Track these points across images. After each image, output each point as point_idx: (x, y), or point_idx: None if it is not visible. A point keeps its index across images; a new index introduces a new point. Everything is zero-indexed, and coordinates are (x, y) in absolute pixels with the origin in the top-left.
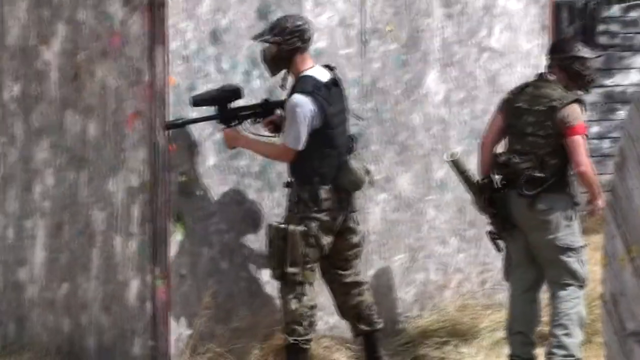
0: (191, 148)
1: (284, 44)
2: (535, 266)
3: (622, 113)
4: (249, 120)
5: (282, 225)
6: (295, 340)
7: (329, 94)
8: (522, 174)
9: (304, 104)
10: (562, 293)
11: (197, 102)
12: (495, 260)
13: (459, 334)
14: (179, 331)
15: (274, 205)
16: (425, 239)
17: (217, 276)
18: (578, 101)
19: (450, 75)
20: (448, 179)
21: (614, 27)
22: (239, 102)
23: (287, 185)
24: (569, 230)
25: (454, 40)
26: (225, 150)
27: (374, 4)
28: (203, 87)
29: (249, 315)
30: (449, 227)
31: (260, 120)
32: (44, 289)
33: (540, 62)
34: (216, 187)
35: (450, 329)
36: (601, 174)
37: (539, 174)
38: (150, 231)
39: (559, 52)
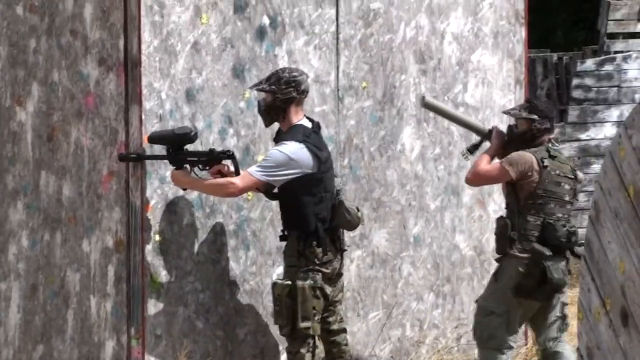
0: (166, 207)
1: (279, 94)
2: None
3: (596, 167)
4: (196, 167)
5: (288, 282)
6: None
7: (317, 139)
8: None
9: (293, 150)
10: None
11: (153, 139)
12: (471, 315)
13: None
14: None
15: (249, 263)
16: (401, 295)
17: (192, 336)
18: None
19: (426, 131)
20: (423, 235)
21: (588, 81)
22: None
23: (283, 238)
24: None
25: (429, 95)
26: (200, 209)
27: (348, 60)
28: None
29: None
30: (424, 283)
31: (207, 168)
32: (19, 351)
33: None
34: (191, 246)
35: None
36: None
37: None
38: (126, 291)
39: None
